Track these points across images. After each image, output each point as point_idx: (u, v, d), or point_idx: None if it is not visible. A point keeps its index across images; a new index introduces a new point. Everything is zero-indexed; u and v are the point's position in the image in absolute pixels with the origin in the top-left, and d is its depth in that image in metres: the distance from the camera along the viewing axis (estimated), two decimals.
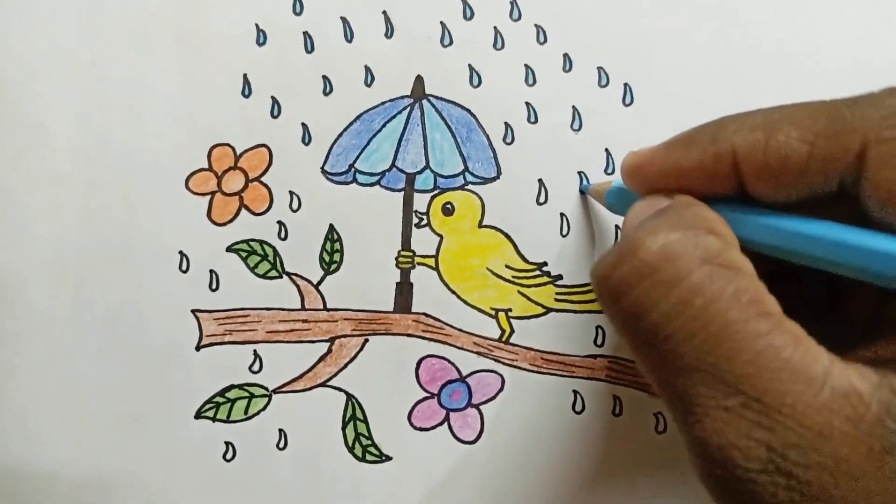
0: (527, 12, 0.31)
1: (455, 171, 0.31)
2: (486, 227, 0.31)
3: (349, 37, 0.31)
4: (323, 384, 0.31)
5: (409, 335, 0.31)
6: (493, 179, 0.31)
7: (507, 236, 0.31)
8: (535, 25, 0.31)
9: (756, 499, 0.19)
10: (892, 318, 0.21)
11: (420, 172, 0.31)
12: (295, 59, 0.31)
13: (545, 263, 0.31)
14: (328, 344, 0.31)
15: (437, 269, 0.31)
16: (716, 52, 0.31)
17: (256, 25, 0.31)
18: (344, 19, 0.31)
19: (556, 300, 0.31)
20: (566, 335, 0.31)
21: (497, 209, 0.31)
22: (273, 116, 0.31)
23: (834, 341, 0.20)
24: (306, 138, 0.31)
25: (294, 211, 0.31)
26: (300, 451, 0.31)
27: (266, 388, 0.31)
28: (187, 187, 0.31)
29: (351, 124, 0.31)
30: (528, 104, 0.31)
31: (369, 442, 0.31)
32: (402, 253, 0.31)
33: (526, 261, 0.31)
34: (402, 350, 0.31)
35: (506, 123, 0.31)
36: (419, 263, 0.31)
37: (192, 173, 0.31)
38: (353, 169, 0.31)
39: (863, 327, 0.22)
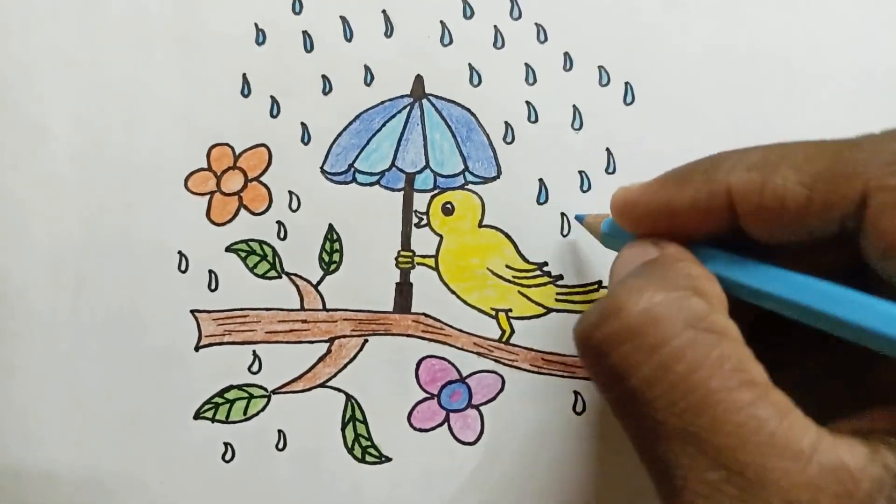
0: (527, 11, 0.31)
1: (455, 171, 0.31)
2: (487, 226, 0.31)
3: (349, 36, 0.31)
4: (322, 385, 0.31)
5: (408, 335, 0.31)
6: (494, 179, 0.31)
7: (508, 236, 0.31)
8: (536, 24, 0.31)
9: None
10: (881, 380, 0.21)
11: (420, 172, 0.31)
12: (294, 59, 0.31)
13: (545, 263, 0.31)
14: (328, 344, 0.31)
15: (436, 269, 0.31)
16: (716, 52, 0.31)
17: (256, 25, 0.31)
18: (343, 19, 0.31)
19: (557, 300, 0.31)
20: (566, 335, 0.31)
21: (497, 209, 0.31)
22: (272, 116, 0.31)
23: (824, 396, 0.19)
24: (306, 138, 0.31)
25: (293, 211, 0.31)
26: (299, 451, 0.31)
27: (265, 389, 0.31)
28: (186, 187, 0.31)
29: (350, 124, 0.31)
30: (528, 103, 0.31)
31: (369, 443, 0.31)
32: (402, 253, 0.31)
33: (526, 261, 0.31)
34: (401, 350, 0.31)
35: (506, 123, 0.31)
36: (419, 263, 0.31)
37: (192, 173, 0.31)
38: (352, 169, 0.31)
39: (854, 381, 0.22)
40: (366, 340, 0.31)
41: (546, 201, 0.31)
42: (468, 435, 0.31)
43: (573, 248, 0.31)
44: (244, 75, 0.31)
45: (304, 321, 0.31)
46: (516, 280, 0.31)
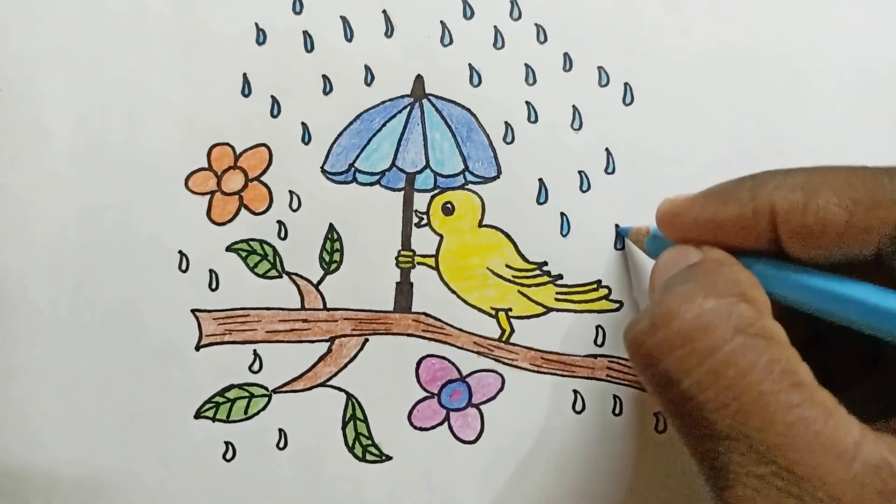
0: (527, 11, 0.31)
1: (455, 171, 0.31)
2: (487, 226, 0.31)
3: (349, 36, 0.31)
4: (323, 384, 0.31)
5: (409, 335, 0.31)
6: (494, 179, 0.31)
7: (508, 236, 0.31)
8: (536, 25, 0.31)
9: None
10: None
11: (420, 172, 0.31)
12: (295, 59, 0.31)
13: (545, 263, 0.31)
14: (328, 344, 0.31)
15: (437, 268, 0.31)
16: (716, 52, 0.31)
17: (256, 25, 0.31)
18: (344, 18, 0.31)
19: (557, 300, 0.31)
20: (566, 335, 0.31)
21: (497, 209, 0.31)
22: (273, 116, 0.31)
23: (871, 403, 0.20)
24: (306, 138, 0.31)
25: (294, 210, 0.31)
26: (300, 450, 0.31)
27: (266, 388, 0.31)
28: (187, 187, 0.31)
29: (351, 124, 0.31)
30: (528, 103, 0.31)
31: (369, 442, 0.31)
32: (402, 252, 0.31)
33: (526, 260, 0.31)
34: (402, 350, 0.31)
35: (506, 123, 0.31)
36: (419, 263, 0.31)
37: (192, 173, 0.31)
38: (353, 168, 0.31)
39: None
40: (366, 340, 0.31)
41: (546, 201, 0.31)
42: (468, 434, 0.31)
43: (573, 248, 0.31)
44: (244, 75, 0.31)
45: (304, 321, 0.31)
46: (516, 280, 0.31)
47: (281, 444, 0.31)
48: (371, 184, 0.31)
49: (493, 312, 0.31)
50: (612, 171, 0.31)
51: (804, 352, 0.21)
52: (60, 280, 0.31)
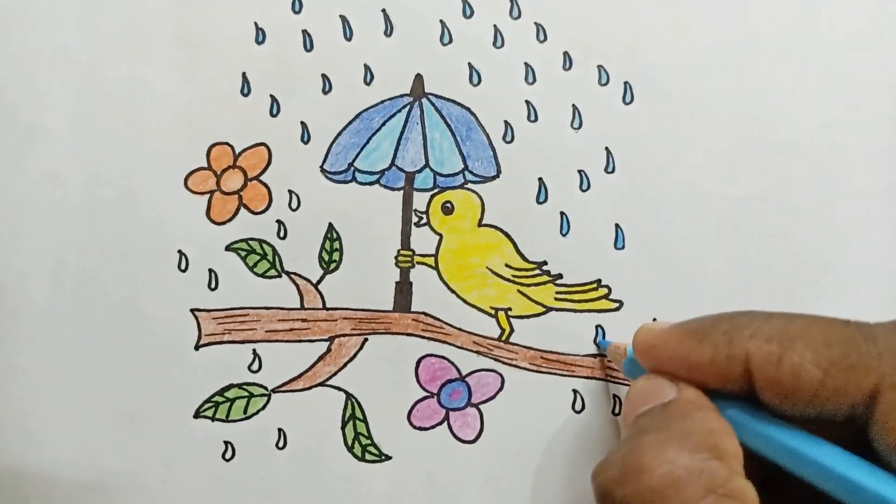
0: (527, 10, 0.31)
1: (455, 170, 0.31)
2: (486, 225, 0.31)
3: (348, 35, 0.31)
4: (322, 383, 0.31)
5: (408, 334, 0.31)
6: (493, 178, 0.31)
7: (507, 235, 0.31)
8: (535, 24, 0.31)
9: None
10: None
11: (420, 171, 0.31)
12: (294, 58, 0.31)
13: (545, 262, 0.31)
14: (327, 343, 0.31)
15: (436, 268, 0.31)
16: (716, 52, 0.31)
17: (255, 24, 0.31)
18: (343, 18, 0.31)
19: (556, 299, 0.31)
20: (566, 334, 0.31)
21: (497, 208, 0.31)
22: (272, 115, 0.31)
23: None
24: (305, 137, 0.31)
25: (293, 210, 0.31)
26: (299, 450, 0.31)
27: (265, 388, 0.31)
28: (186, 186, 0.31)
29: (350, 123, 0.31)
30: (528, 103, 0.31)
31: (369, 441, 0.31)
32: (402, 252, 0.31)
33: (526, 260, 0.31)
34: (401, 349, 0.31)
35: (506, 122, 0.31)
36: (419, 262, 0.31)
37: (191, 172, 0.31)
38: (352, 168, 0.31)
39: None
40: (366, 339, 0.31)
41: (545, 200, 0.31)
42: (468, 433, 0.31)
43: (573, 247, 0.31)
44: (244, 74, 0.31)
45: (304, 320, 0.31)
46: (516, 279, 0.31)
47: (280, 444, 0.31)
48: (370, 183, 0.31)
49: (493, 312, 0.31)
50: (612, 171, 0.31)
51: (766, 485, 0.21)
52: (60, 280, 0.31)
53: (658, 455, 0.20)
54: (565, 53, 0.31)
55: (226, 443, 0.31)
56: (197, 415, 0.31)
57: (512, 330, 0.31)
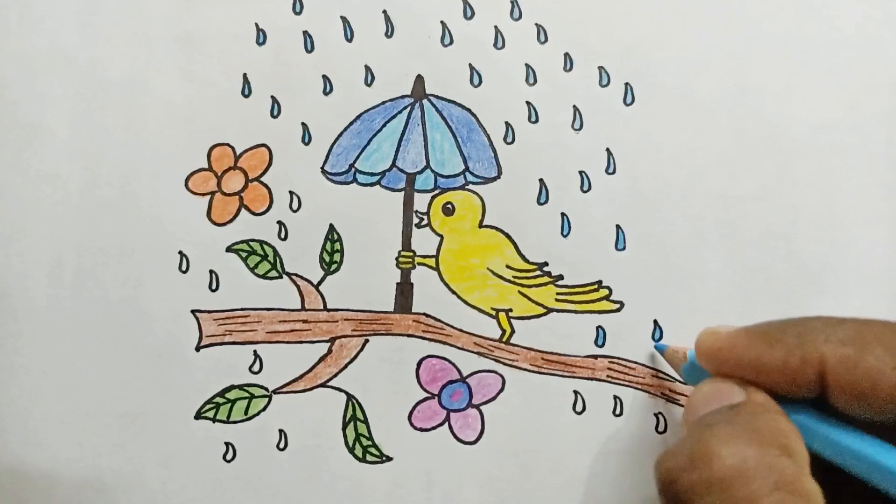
0: (527, 11, 0.31)
1: (455, 171, 0.31)
2: (487, 226, 0.31)
3: (349, 36, 0.31)
4: (323, 384, 0.31)
5: (409, 335, 0.31)
6: (494, 179, 0.31)
7: (508, 236, 0.31)
8: (536, 25, 0.31)
9: None
10: None
11: (420, 172, 0.31)
12: (295, 59, 0.31)
13: (546, 263, 0.31)
14: (328, 344, 0.31)
15: (437, 269, 0.31)
16: (716, 53, 0.31)
17: (256, 25, 0.31)
18: (344, 19, 0.31)
19: (557, 300, 0.31)
20: (566, 335, 0.31)
21: (498, 209, 0.31)
22: (273, 116, 0.31)
23: None
24: (306, 138, 0.31)
25: (294, 211, 0.31)
26: (300, 451, 0.31)
27: (266, 389, 0.31)
28: (187, 187, 0.31)
29: (351, 124, 0.31)
30: (528, 104, 0.31)
31: (370, 442, 0.31)
32: (403, 253, 0.31)
33: (526, 261, 0.31)
34: (402, 350, 0.31)
35: (506, 123, 0.31)
36: (419, 263, 0.31)
37: (192, 173, 0.31)
38: (353, 169, 0.31)
39: None
40: (366, 340, 0.31)
41: (546, 201, 0.31)
42: (469, 434, 0.31)
43: (574, 248, 0.31)
44: (244, 75, 0.31)
45: (304, 321, 0.31)
46: (516, 280, 0.31)
47: (281, 445, 0.31)
48: (371, 184, 0.31)
49: (494, 313, 0.31)
50: (613, 171, 0.31)
51: (822, 475, 0.20)
52: (61, 280, 0.31)
53: (729, 445, 0.20)
54: (566, 54, 0.31)
55: (227, 444, 0.31)
56: (198, 416, 0.31)
57: (513, 331, 0.31)
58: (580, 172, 0.31)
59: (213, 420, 0.31)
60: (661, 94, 0.31)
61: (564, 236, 0.31)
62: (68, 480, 0.31)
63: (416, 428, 0.31)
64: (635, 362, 0.31)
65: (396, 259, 0.31)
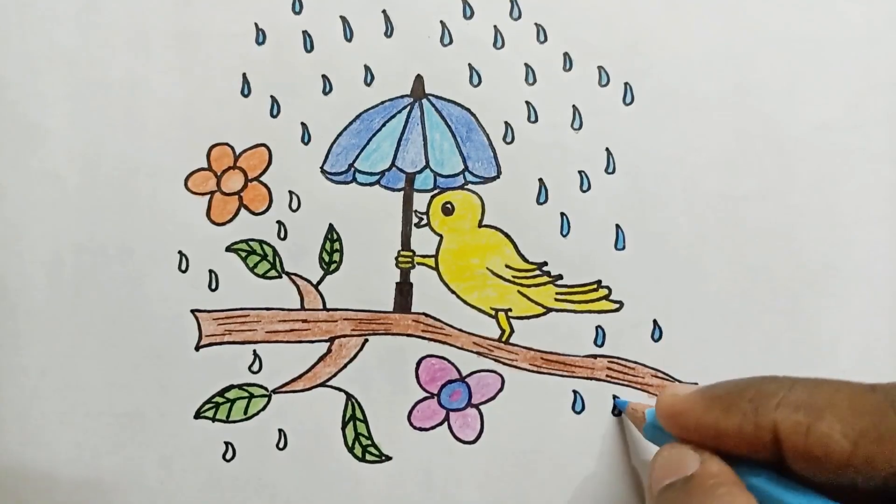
0: (527, 11, 0.31)
1: (455, 171, 0.31)
2: (486, 226, 0.31)
3: (349, 36, 0.31)
4: (323, 384, 0.31)
5: (408, 335, 0.31)
6: (493, 179, 0.31)
7: (507, 236, 0.31)
8: (536, 24, 0.31)
9: None
10: None
11: (420, 172, 0.31)
12: (294, 59, 0.31)
13: (545, 263, 0.31)
14: (328, 344, 0.31)
15: (436, 268, 0.31)
16: (716, 52, 0.31)
17: (256, 25, 0.31)
18: (343, 18, 0.31)
19: (556, 300, 0.31)
20: (566, 335, 0.31)
21: (497, 209, 0.31)
22: (272, 116, 0.31)
23: None
24: (306, 138, 0.31)
25: (293, 211, 0.31)
26: (300, 451, 0.31)
27: (266, 388, 0.31)
28: (186, 187, 0.31)
29: (350, 124, 0.31)
30: (528, 103, 0.31)
31: (369, 442, 0.31)
32: (402, 253, 0.31)
33: (526, 260, 0.31)
34: (401, 350, 0.31)
35: (506, 123, 0.31)
36: (419, 263, 0.31)
37: (192, 173, 0.31)
38: (352, 168, 0.31)
39: None
40: (366, 340, 0.31)
41: (546, 201, 0.31)
42: (468, 434, 0.31)
43: (573, 248, 0.31)
44: (244, 75, 0.31)
45: (304, 321, 0.31)
46: (516, 280, 0.31)
47: (281, 445, 0.31)
48: (371, 184, 0.31)
49: (493, 313, 0.31)
50: (612, 171, 0.31)
51: None
52: (60, 280, 0.31)
53: None
54: (565, 54, 0.31)
55: (226, 443, 0.31)
56: (197, 415, 0.31)
57: (512, 331, 0.31)
58: (580, 172, 0.31)
59: (213, 420, 0.31)
60: (661, 94, 0.31)
61: (564, 236, 0.31)
62: (67, 480, 0.31)
63: (415, 427, 0.31)
64: (635, 362, 0.31)
65: (396, 259, 0.31)
